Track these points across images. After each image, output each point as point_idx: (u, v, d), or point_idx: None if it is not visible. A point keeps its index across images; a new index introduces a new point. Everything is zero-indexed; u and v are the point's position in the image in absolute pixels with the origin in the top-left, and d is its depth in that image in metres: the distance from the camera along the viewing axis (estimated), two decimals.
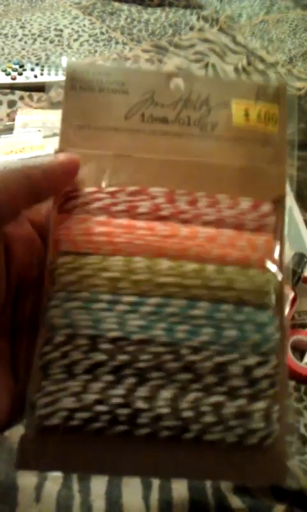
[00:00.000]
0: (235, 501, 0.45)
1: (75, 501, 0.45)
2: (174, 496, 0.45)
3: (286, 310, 0.59)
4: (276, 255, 0.30)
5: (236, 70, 1.09)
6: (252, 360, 0.27)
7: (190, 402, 0.27)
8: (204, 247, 0.28)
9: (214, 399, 0.27)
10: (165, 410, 0.26)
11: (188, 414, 0.26)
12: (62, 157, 0.28)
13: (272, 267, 0.29)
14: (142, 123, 0.31)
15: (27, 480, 0.45)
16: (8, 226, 0.28)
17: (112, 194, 0.29)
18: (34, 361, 0.27)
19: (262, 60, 1.16)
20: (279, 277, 0.29)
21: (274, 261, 0.29)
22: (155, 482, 0.46)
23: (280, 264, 0.30)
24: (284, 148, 0.31)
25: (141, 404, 0.26)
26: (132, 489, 0.46)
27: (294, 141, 0.32)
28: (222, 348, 0.27)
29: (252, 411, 0.27)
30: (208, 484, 0.46)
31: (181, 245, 0.28)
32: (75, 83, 0.31)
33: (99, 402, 0.26)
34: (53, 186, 0.28)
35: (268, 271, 0.29)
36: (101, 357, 0.27)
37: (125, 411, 0.26)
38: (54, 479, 0.45)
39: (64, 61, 0.31)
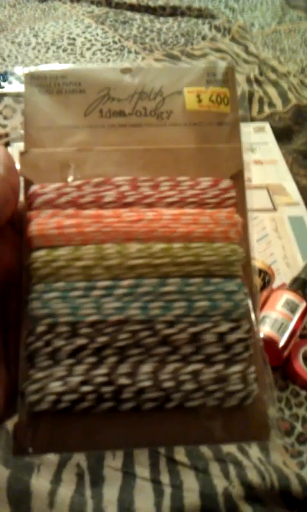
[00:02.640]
0: (247, 509, 0.45)
1: (88, 507, 0.45)
2: (186, 503, 0.45)
3: (282, 306, 0.59)
4: (239, 226, 0.31)
5: (248, 79, 1.10)
6: (224, 327, 0.29)
7: (169, 373, 0.28)
8: (170, 227, 0.30)
9: (192, 367, 0.28)
10: (147, 383, 0.28)
11: (169, 384, 0.28)
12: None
13: (236, 238, 0.31)
14: (101, 118, 0.32)
15: (40, 485, 0.45)
16: None
17: (78, 187, 0.30)
18: (20, 352, 0.28)
19: (274, 70, 1.17)
20: (244, 246, 0.31)
21: (237, 232, 0.31)
22: (167, 490, 0.47)
23: (244, 234, 0.31)
24: (237, 126, 0.33)
25: (123, 380, 0.28)
26: (144, 496, 0.46)
27: (247, 117, 0.34)
28: (196, 319, 0.29)
29: (229, 374, 0.28)
30: (220, 492, 0.46)
31: (147, 228, 0.30)
32: (34, 88, 0.32)
33: (84, 383, 0.27)
34: None
35: (232, 242, 0.30)
36: (82, 341, 0.28)
37: (109, 388, 0.28)
38: (67, 485, 0.46)
39: (19, 70, 0.32)
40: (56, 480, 0.46)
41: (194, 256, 0.29)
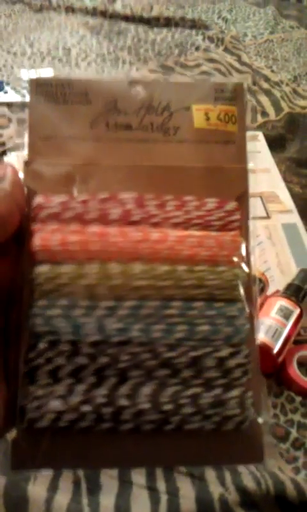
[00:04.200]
0: None
1: None
2: (182, 510, 0.45)
3: (276, 312, 0.60)
4: (243, 250, 0.31)
5: None
6: (225, 352, 0.29)
7: (169, 396, 0.28)
8: (175, 249, 0.30)
9: (191, 391, 0.28)
10: (146, 405, 0.28)
11: (168, 407, 0.28)
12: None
13: (240, 262, 0.31)
14: (107, 131, 0.32)
15: (37, 493, 0.45)
16: None
17: (84, 202, 0.30)
18: (19, 367, 0.28)
19: (267, 79, 1.18)
20: (246, 270, 0.31)
21: (240, 256, 0.31)
22: (163, 497, 0.47)
23: (247, 257, 0.31)
24: (244, 146, 0.33)
25: (123, 402, 0.28)
26: (140, 503, 0.46)
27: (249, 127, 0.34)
28: (197, 343, 0.29)
29: (228, 399, 0.29)
30: (216, 498, 0.46)
31: (152, 249, 0.30)
32: (39, 97, 0.32)
33: (84, 402, 0.28)
34: None
35: (235, 266, 0.30)
36: (83, 361, 0.28)
37: (108, 409, 0.28)
38: (64, 492, 0.46)
39: (25, 75, 0.32)
40: (53, 488, 0.46)
41: (198, 279, 0.30)
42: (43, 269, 0.29)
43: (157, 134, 0.32)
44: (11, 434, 0.28)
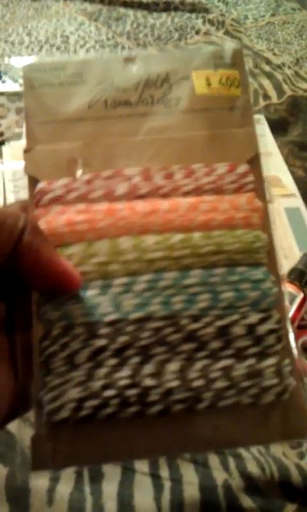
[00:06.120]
0: (247, 501, 0.45)
1: (87, 503, 0.45)
2: (186, 497, 0.45)
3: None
4: (260, 211, 0.30)
5: None
6: (254, 318, 0.27)
7: (198, 371, 0.26)
8: (188, 216, 0.28)
9: (222, 363, 0.27)
10: (174, 383, 0.26)
11: (198, 383, 0.26)
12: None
13: (259, 223, 0.29)
14: (106, 109, 0.31)
15: (39, 483, 0.45)
16: None
17: (88, 181, 0.29)
18: (33, 357, 0.27)
19: (268, 62, 1.16)
20: (267, 232, 0.29)
21: (259, 218, 0.29)
22: (167, 484, 0.46)
23: (266, 219, 0.30)
24: (249, 110, 0.32)
25: (149, 382, 0.26)
26: (143, 490, 0.46)
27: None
28: (222, 311, 0.27)
29: (263, 368, 0.27)
30: (220, 484, 0.46)
31: (164, 219, 0.28)
32: (33, 81, 0.31)
33: (106, 387, 0.26)
34: None
35: (255, 228, 0.29)
36: (101, 342, 0.27)
37: (133, 391, 0.26)
38: (66, 482, 0.46)
39: (16, 62, 0.31)
40: (55, 477, 0.46)
41: (216, 245, 0.28)
42: None
43: (158, 106, 0.31)
44: (28, 433, 0.26)
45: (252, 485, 0.46)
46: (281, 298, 0.29)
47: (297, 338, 0.61)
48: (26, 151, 0.30)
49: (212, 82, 0.32)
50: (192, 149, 0.30)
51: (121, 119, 0.31)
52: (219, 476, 0.46)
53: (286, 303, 0.59)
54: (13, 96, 0.95)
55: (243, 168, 0.30)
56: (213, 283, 0.28)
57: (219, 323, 0.27)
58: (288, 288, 0.61)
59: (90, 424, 0.26)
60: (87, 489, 0.46)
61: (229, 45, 0.32)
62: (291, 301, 0.60)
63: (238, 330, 0.27)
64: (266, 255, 0.29)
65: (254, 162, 0.31)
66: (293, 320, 0.59)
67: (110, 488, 0.46)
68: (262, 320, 0.27)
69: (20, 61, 0.32)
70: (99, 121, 0.31)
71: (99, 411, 0.26)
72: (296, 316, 0.60)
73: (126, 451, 0.26)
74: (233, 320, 0.27)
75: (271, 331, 0.27)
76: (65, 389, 0.26)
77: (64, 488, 0.45)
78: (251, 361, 0.27)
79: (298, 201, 0.80)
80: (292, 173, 0.84)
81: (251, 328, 0.27)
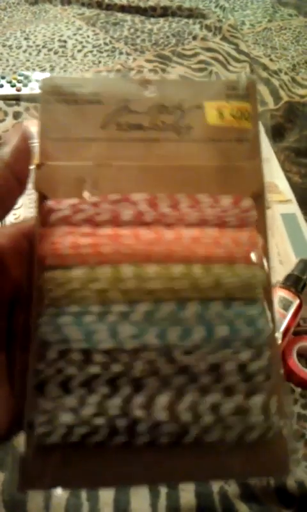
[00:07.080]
0: (242, 507, 0.45)
1: (84, 509, 0.45)
2: (182, 503, 0.45)
3: (276, 303, 0.59)
4: (261, 248, 0.30)
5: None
6: (245, 355, 0.27)
7: (187, 405, 0.27)
8: (190, 248, 0.29)
9: (211, 398, 0.27)
10: (163, 416, 0.26)
11: (186, 417, 0.26)
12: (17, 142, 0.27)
13: (258, 260, 0.29)
14: (118, 131, 0.31)
15: None
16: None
17: (95, 204, 0.29)
18: (28, 378, 0.27)
19: (265, 68, 1.17)
20: (265, 270, 0.29)
21: (259, 254, 0.29)
22: (163, 490, 0.47)
23: (265, 256, 0.30)
24: (258, 143, 0.32)
25: (138, 413, 0.26)
26: (139, 496, 0.46)
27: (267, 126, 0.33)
28: (215, 346, 0.27)
29: (250, 406, 0.27)
30: (216, 490, 0.46)
31: (167, 249, 0.28)
32: (50, 97, 0.31)
33: (97, 415, 0.26)
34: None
35: (254, 264, 0.29)
36: (95, 370, 0.27)
37: (123, 421, 0.26)
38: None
39: (38, 76, 0.31)
40: None
41: (215, 279, 0.28)
42: (53, 275, 0.28)
43: (170, 133, 0.31)
44: (20, 452, 0.26)
45: (248, 492, 0.46)
46: (273, 334, 0.29)
47: (292, 345, 0.61)
48: (38, 167, 0.30)
49: (224, 114, 0.32)
50: (199, 179, 0.30)
51: (132, 143, 0.31)
52: (215, 483, 0.47)
53: (281, 309, 0.59)
54: (10, 100, 0.95)
55: (247, 202, 0.30)
56: (209, 317, 0.28)
57: (212, 358, 0.27)
58: (284, 294, 0.62)
59: (79, 449, 0.26)
60: (83, 495, 0.46)
61: (244, 76, 0.33)
62: (287, 308, 0.61)
63: (229, 366, 0.27)
64: (262, 290, 0.29)
65: (258, 196, 0.31)
66: (288, 327, 0.59)
67: (106, 494, 0.46)
68: (254, 358, 0.28)
69: (38, 75, 0.32)
70: (111, 143, 0.31)
71: (88, 438, 0.26)
72: (292, 323, 0.60)
73: (113, 478, 0.27)
74: (226, 356, 0.27)
75: (261, 369, 0.28)
76: (57, 414, 0.26)
77: (61, 494, 0.46)
78: (239, 397, 0.27)
79: (294, 207, 0.80)
80: (288, 179, 0.84)
81: (242, 365, 0.27)
